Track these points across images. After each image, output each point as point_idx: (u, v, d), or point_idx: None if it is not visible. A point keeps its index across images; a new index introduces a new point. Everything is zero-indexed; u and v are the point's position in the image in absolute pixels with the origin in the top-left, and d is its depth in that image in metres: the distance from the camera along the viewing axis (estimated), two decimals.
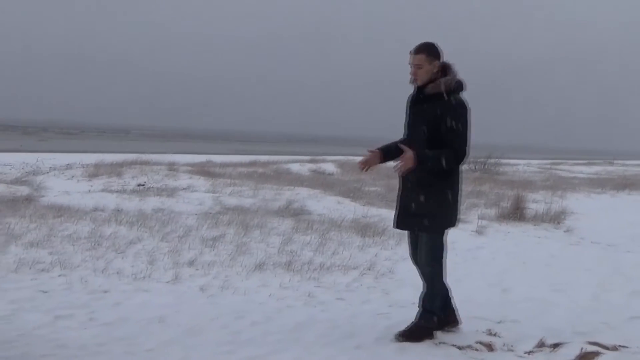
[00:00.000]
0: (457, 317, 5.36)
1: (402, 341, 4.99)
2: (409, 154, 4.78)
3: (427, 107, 4.91)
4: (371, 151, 5.15)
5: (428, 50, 4.92)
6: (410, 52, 4.95)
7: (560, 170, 33.02)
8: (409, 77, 5.02)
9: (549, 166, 36.75)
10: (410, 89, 5.10)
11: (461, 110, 4.87)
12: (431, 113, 4.86)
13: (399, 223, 5.18)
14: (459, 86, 4.94)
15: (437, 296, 5.14)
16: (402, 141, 5.09)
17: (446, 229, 5.07)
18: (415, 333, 5.07)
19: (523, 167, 33.45)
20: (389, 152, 5.14)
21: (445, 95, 4.86)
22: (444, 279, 5.19)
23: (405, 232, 5.34)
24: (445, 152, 4.80)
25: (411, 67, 4.95)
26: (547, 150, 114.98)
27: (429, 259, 5.07)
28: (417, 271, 5.32)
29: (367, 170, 5.21)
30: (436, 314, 5.16)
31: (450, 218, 5.04)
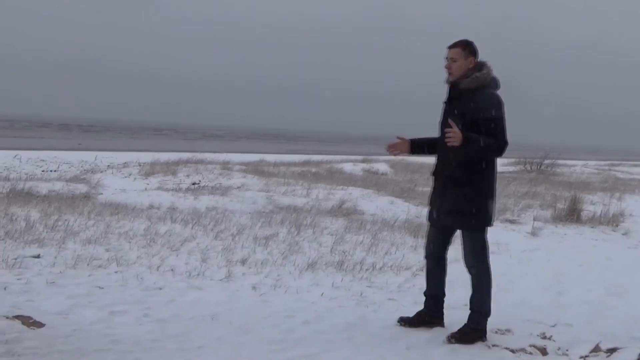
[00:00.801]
0: (443, 321, 5.35)
1: (454, 343, 4.96)
2: (457, 129, 4.77)
3: (461, 102, 4.91)
4: (401, 138, 5.23)
5: (464, 46, 4.97)
6: (447, 47, 5.00)
7: (619, 171, 32.35)
8: (446, 76, 5.06)
9: (607, 167, 36.02)
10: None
11: (498, 102, 4.89)
12: (466, 107, 4.87)
13: (437, 220, 5.17)
14: (494, 82, 4.95)
15: (487, 296, 5.10)
16: (437, 138, 5.12)
17: (486, 226, 5.05)
18: (467, 335, 5.03)
19: (580, 168, 32.86)
20: (419, 146, 5.24)
21: (480, 88, 4.87)
22: (490, 279, 5.15)
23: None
24: (489, 139, 4.79)
25: (446, 61, 4.99)
26: (605, 151, 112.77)
27: (474, 259, 5.07)
28: (425, 265, 5.43)
29: (395, 154, 5.29)
30: (487, 315, 5.11)
31: (490, 215, 5.01)
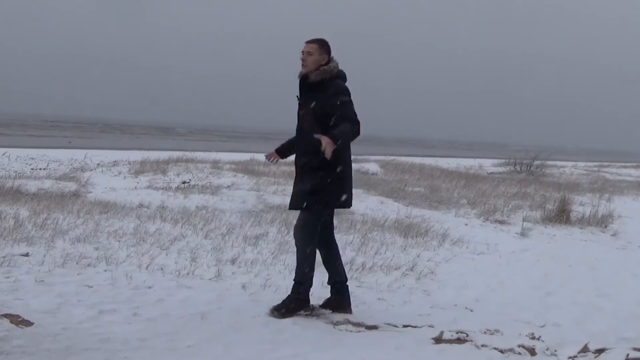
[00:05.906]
0: (350, 305, 5.65)
1: (272, 315, 5.32)
2: (326, 138, 5.11)
3: (314, 93, 5.30)
4: (270, 153, 5.84)
5: (321, 43, 5.40)
6: (306, 42, 5.40)
7: (608, 172, 32.45)
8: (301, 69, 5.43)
9: (596, 168, 36.12)
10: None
11: (345, 89, 5.35)
12: (319, 97, 5.27)
13: (291, 204, 5.64)
14: (341, 74, 5.42)
15: (306, 268, 5.48)
16: (295, 137, 5.62)
17: (324, 207, 5.45)
18: (288, 305, 5.40)
19: (570, 169, 32.95)
20: (287, 150, 5.81)
21: (328, 79, 5.28)
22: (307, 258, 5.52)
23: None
24: (347, 126, 5.20)
25: (303, 54, 5.36)
26: (594, 152, 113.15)
27: (298, 233, 5.53)
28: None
29: (274, 161, 5.88)
30: (304, 284, 5.47)
31: (329, 197, 5.40)
